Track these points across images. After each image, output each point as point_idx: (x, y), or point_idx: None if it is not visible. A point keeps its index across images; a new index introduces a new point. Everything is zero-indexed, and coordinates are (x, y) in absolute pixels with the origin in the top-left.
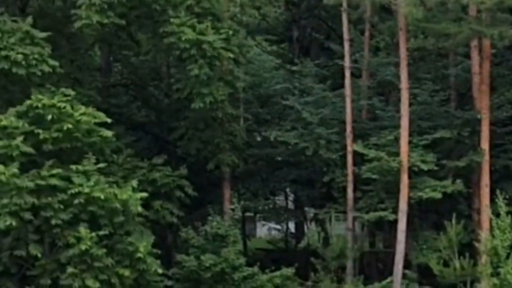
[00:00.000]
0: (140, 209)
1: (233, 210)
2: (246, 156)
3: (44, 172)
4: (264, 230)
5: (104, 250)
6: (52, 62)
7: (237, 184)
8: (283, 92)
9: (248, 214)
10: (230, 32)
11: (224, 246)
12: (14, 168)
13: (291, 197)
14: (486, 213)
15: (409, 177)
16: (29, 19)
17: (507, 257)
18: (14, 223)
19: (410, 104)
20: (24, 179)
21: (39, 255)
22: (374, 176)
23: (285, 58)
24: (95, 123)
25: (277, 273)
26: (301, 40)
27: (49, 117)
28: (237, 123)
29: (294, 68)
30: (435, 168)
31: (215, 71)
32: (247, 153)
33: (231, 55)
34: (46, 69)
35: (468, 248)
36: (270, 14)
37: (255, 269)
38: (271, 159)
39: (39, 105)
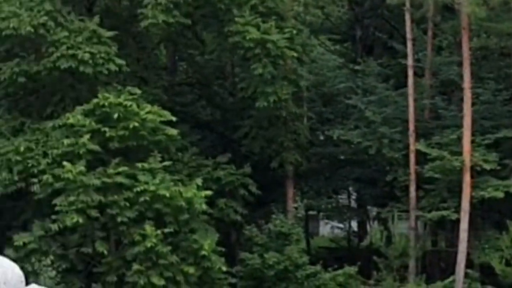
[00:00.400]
0: (204, 207)
1: (296, 208)
2: (309, 154)
3: (110, 170)
4: (327, 229)
5: (169, 248)
6: (118, 61)
7: (300, 182)
8: (346, 91)
9: (311, 212)
10: (294, 31)
11: (287, 244)
12: (81, 166)
13: (354, 195)
14: None
15: (472, 176)
16: (96, 18)
17: None
18: (80, 221)
19: (473, 104)
20: (90, 177)
21: (105, 252)
22: (436, 175)
23: (348, 57)
24: (161, 122)
25: (340, 271)
26: (364, 39)
27: (116, 115)
28: (300, 122)
29: (357, 67)
30: (498, 167)
31: (279, 70)
32: (310, 151)
33: (295, 54)
34: (113, 68)
35: None
36: (334, 14)
37: (318, 267)
38: (334, 157)
39: (106, 103)
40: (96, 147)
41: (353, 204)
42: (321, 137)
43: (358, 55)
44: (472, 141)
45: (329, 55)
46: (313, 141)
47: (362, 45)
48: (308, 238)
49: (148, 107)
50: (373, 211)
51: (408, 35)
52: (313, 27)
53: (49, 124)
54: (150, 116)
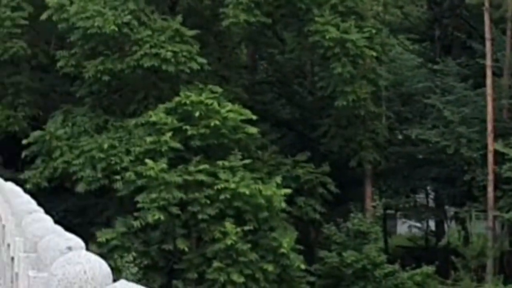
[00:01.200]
0: (284, 205)
1: (374, 207)
2: (387, 153)
3: (191, 168)
4: (405, 228)
5: (249, 245)
6: (200, 59)
7: (378, 181)
8: (424, 91)
9: (389, 211)
10: (373, 31)
11: (366, 243)
12: (162, 164)
13: (431, 195)
14: None
15: None
16: (179, 18)
17: None
18: (162, 218)
19: None
20: (172, 174)
21: (186, 249)
22: None
23: (426, 57)
24: (241, 120)
25: (418, 271)
26: (443, 39)
27: (197, 113)
28: (379, 121)
29: (436, 67)
30: None
31: (358, 69)
32: (388, 150)
33: (374, 54)
34: (195, 66)
35: None
36: (413, 13)
37: (396, 266)
38: (412, 157)
39: (187, 101)
40: (177, 145)
41: (431, 203)
42: (399, 136)
43: (437, 55)
44: None
45: (408, 55)
46: (392, 140)
47: (440, 44)
48: (386, 237)
49: (229, 106)
50: (451, 210)
51: (487, 35)
52: (392, 26)
53: (132, 121)
54: (231, 115)
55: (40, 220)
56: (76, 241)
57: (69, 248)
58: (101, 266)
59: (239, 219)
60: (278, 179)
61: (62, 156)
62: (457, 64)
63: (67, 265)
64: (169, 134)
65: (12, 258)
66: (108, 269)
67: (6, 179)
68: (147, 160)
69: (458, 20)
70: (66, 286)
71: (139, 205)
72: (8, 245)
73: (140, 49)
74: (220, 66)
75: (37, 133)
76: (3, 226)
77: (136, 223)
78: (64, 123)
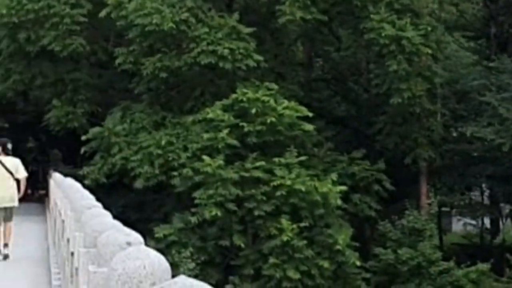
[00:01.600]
0: (339, 202)
1: (429, 204)
2: (442, 151)
3: (248, 164)
4: (460, 225)
5: (305, 242)
6: (257, 56)
7: (433, 178)
8: (480, 88)
9: (444, 209)
10: (429, 28)
11: (421, 240)
12: (219, 160)
13: (486, 192)
14: None
15: None
16: (236, 15)
17: None
18: (219, 214)
19: None
20: (229, 171)
21: (243, 245)
22: None
23: (482, 54)
24: (297, 117)
25: (473, 268)
26: (499, 37)
27: (253, 110)
28: (434, 119)
29: (491, 64)
30: None
31: (413, 66)
32: (443, 148)
33: (430, 51)
34: (251, 63)
35: None
36: (468, 11)
37: (451, 263)
38: (467, 154)
39: (244, 98)
40: (234, 142)
41: (486, 201)
42: (454, 134)
43: (492, 52)
44: None
45: (463, 52)
46: (447, 137)
47: (496, 42)
48: (441, 234)
49: (285, 103)
50: (506, 208)
51: None
52: (447, 24)
53: (189, 118)
54: (287, 112)
55: (99, 216)
56: (135, 236)
57: (129, 244)
58: (160, 262)
59: (295, 216)
60: (334, 176)
61: (120, 152)
62: None
63: (127, 260)
64: (226, 131)
65: (72, 253)
66: (167, 265)
67: (66, 175)
68: (204, 157)
69: None
70: (126, 281)
71: (196, 201)
72: (68, 240)
73: (197, 46)
74: (277, 63)
75: (96, 129)
76: (63, 221)
77: (194, 219)
78: (123, 119)
